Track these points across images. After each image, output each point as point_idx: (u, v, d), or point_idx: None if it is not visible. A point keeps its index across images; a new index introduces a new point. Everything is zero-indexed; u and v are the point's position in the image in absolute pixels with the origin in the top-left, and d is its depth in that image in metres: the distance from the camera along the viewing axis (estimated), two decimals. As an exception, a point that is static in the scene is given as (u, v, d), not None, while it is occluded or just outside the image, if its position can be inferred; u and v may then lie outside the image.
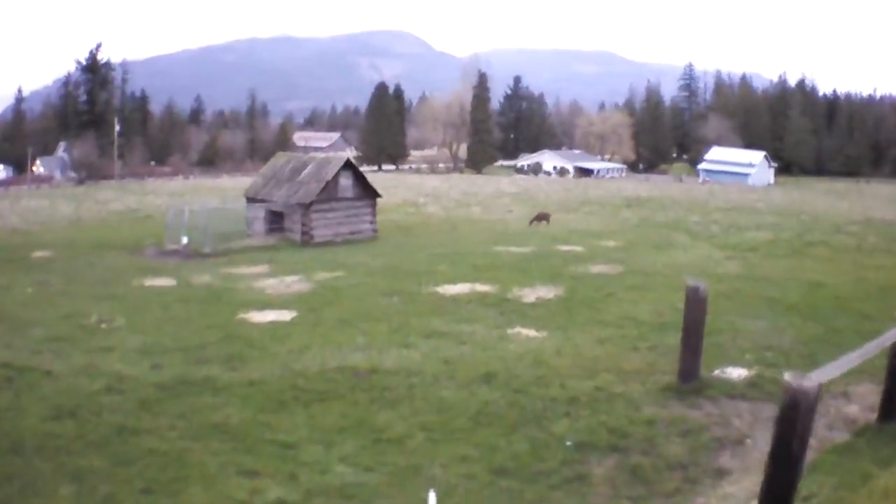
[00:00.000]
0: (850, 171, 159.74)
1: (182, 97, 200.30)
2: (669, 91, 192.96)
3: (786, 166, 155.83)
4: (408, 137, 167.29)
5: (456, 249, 35.26)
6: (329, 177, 40.16)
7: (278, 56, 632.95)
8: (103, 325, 21.26)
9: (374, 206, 42.22)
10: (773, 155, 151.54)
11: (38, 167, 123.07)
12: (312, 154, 43.07)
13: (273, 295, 25.19)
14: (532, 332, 19.74)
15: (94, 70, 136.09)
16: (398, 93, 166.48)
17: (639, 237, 41.80)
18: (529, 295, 24.40)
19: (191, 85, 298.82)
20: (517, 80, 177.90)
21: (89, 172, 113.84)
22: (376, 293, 24.92)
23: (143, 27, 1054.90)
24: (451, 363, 16.49)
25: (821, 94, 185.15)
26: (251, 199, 44.27)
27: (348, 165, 41.14)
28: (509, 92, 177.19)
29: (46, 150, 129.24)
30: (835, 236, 43.68)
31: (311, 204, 39.83)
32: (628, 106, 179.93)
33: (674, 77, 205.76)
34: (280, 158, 45.57)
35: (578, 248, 35.87)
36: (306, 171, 41.75)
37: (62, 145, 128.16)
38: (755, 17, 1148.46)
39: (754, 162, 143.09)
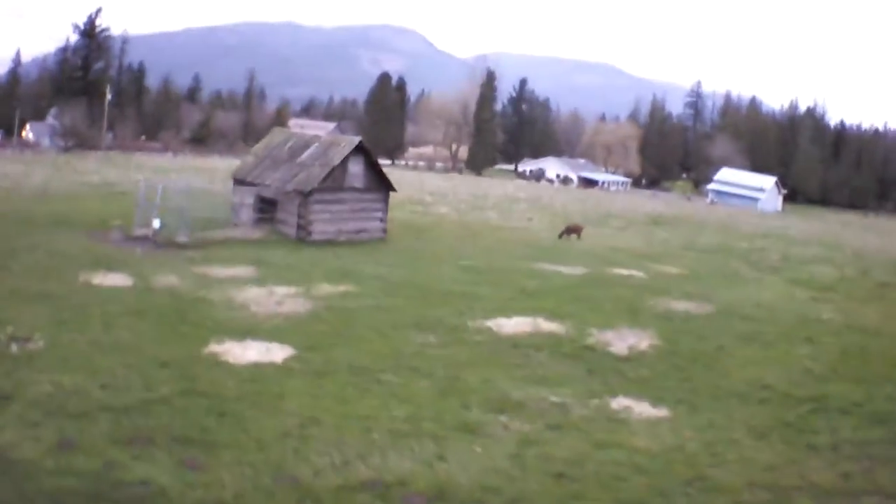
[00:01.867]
0: (855, 203, 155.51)
1: (181, 75, 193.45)
2: (672, 108, 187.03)
3: (792, 193, 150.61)
4: (407, 133, 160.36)
5: (490, 263, 28.54)
6: (336, 161, 33.06)
7: (281, 42, 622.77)
8: (14, 348, 14.54)
9: (386, 200, 35.22)
10: (779, 181, 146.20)
11: (28, 132, 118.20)
12: (317, 134, 35.79)
13: (259, 315, 18.40)
14: (647, 409, 13.33)
15: (92, 35, 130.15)
16: (401, 85, 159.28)
17: (698, 264, 35.27)
18: (616, 342, 17.81)
19: (191, 63, 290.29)
20: (523, 82, 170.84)
21: (77, 141, 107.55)
22: (404, 324, 18.17)
23: (149, 2, 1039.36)
24: (568, 480, 9.77)
25: (830, 123, 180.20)
26: (239, 182, 37.30)
27: (360, 150, 34.01)
28: (514, 95, 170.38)
29: (38, 115, 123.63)
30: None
31: (311, 192, 32.88)
32: (633, 119, 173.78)
33: (676, 95, 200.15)
34: (278, 135, 38.45)
35: (639, 274, 29.27)
36: (308, 152, 34.76)
37: (53, 111, 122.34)
38: (763, 41, 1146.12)
39: (765, 187, 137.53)
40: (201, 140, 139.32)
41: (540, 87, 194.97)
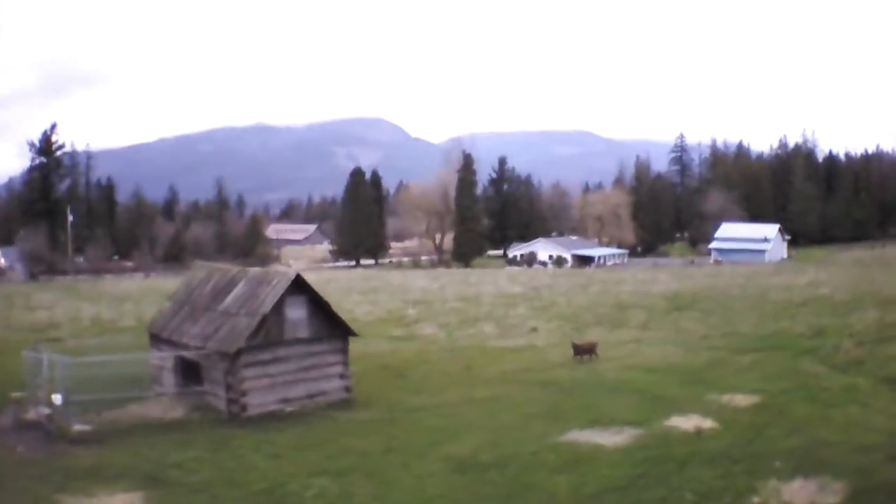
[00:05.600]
0: (858, 235, 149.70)
1: (158, 187, 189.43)
2: (656, 167, 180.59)
3: (792, 237, 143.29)
4: (387, 228, 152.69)
5: (497, 443, 19.58)
6: (268, 306, 24.35)
7: (254, 146, 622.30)
8: None
9: (344, 349, 26.31)
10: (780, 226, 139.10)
11: (1, 258, 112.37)
12: (244, 269, 26.84)
13: None
14: None
15: (49, 153, 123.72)
16: (375, 180, 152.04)
17: (768, 381, 26.37)
18: None
19: (167, 174, 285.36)
20: (502, 161, 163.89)
21: (46, 266, 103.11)
22: None
23: (120, 116, 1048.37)
24: None
25: (822, 155, 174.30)
26: (156, 338, 28.74)
27: (299, 287, 25.26)
28: (493, 176, 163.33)
29: (9, 240, 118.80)
30: None
31: (239, 353, 24.17)
32: (618, 185, 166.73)
33: (657, 152, 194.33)
34: (198, 273, 29.81)
35: (707, 424, 20.35)
36: (234, 293, 26.12)
37: (21, 235, 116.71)
38: (740, 82, 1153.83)
39: (769, 237, 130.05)
40: (175, 257, 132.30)
41: (519, 162, 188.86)
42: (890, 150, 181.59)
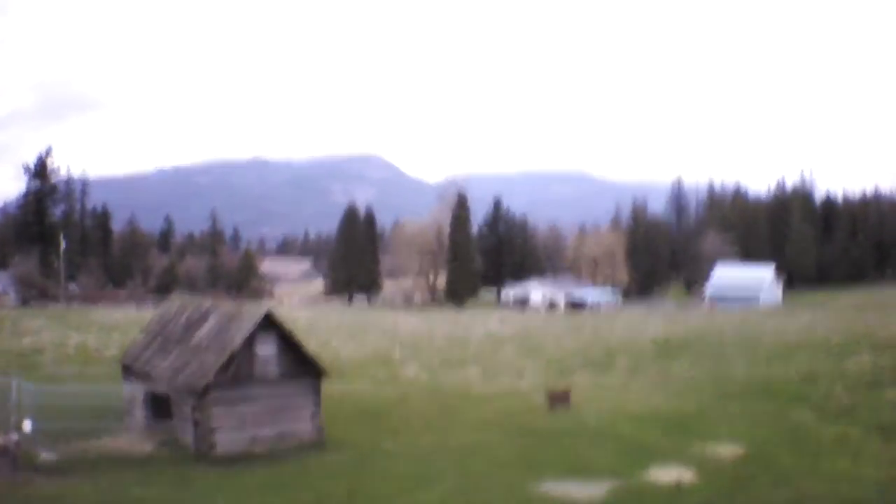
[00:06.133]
0: (854, 275, 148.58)
1: (154, 217, 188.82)
2: (653, 208, 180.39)
3: (788, 277, 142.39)
4: (382, 265, 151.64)
5: (466, 488, 18.78)
6: (237, 343, 23.62)
7: (253, 179, 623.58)
8: None
9: (316, 390, 25.43)
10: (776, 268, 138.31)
11: None
12: (216, 303, 26.10)
13: None
14: None
15: (44, 177, 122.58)
16: (370, 217, 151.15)
17: (754, 427, 25.56)
18: None
19: (164, 204, 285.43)
20: (497, 202, 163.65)
21: (38, 292, 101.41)
22: None
23: (118, 144, 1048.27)
24: None
25: (819, 196, 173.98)
26: (128, 369, 27.99)
27: (269, 324, 24.50)
28: (488, 216, 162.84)
29: (4, 264, 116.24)
30: None
31: (207, 389, 23.35)
32: (615, 226, 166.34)
33: (655, 194, 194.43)
34: (173, 305, 29.06)
35: (691, 476, 19.52)
36: (206, 327, 25.42)
37: (16, 260, 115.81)
38: (738, 123, 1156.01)
39: (766, 279, 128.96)
40: (167, 288, 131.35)
41: (516, 203, 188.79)
42: (888, 191, 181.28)
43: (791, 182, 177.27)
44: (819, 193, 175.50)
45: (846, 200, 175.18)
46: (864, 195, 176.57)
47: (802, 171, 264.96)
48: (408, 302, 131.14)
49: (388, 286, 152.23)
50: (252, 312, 24.44)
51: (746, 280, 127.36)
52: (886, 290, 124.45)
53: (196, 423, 23.76)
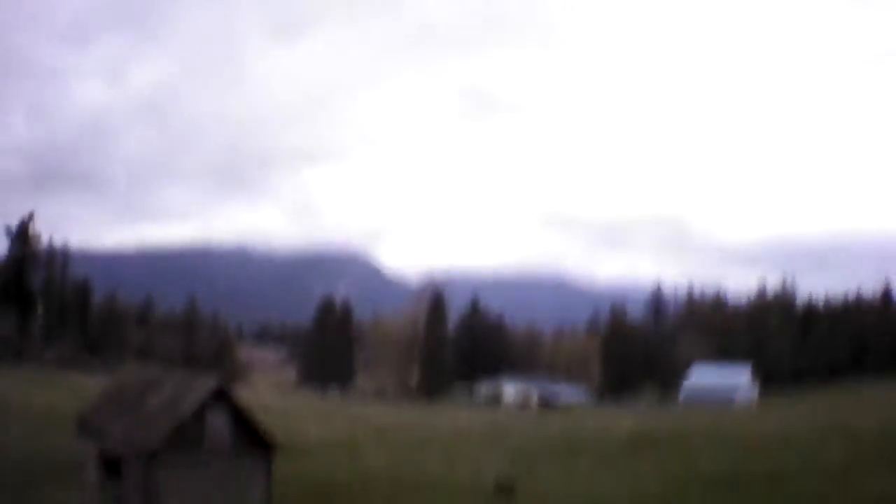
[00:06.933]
0: (833, 374, 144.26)
1: (134, 293, 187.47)
2: (633, 309, 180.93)
3: (765, 377, 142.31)
4: (358, 360, 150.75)
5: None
6: (189, 410, 23.35)
7: (233, 267, 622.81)
8: None
9: (267, 466, 25.06)
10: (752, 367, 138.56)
11: None
12: (173, 372, 26.08)
13: None
14: None
15: (25, 241, 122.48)
16: (346, 311, 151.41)
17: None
18: None
19: (148, 283, 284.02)
20: (475, 301, 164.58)
21: (10, 351, 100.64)
22: None
23: (101, 220, 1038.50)
24: None
25: (799, 298, 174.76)
26: (83, 428, 27.55)
27: (221, 396, 24.29)
28: (465, 315, 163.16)
29: None
30: None
31: (155, 454, 22.93)
32: (592, 329, 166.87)
33: (634, 296, 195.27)
34: (132, 369, 28.89)
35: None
36: (158, 395, 25.21)
37: None
38: (724, 228, 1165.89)
39: (742, 379, 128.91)
40: (143, 362, 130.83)
41: (494, 301, 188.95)
42: (870, 294, 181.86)
43: (772, 285, 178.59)
44: (801, 296, 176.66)
45: (827, 306, 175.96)
46: (847, 297, 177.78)
47: (784, 274, 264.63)
48: (381, 395, 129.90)
49: (362, 379, 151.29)
50: (204, 383, 24.33)
51: (723, 380, 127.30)
52: (864, 388, 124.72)
53: (145, 489, 23.29)
